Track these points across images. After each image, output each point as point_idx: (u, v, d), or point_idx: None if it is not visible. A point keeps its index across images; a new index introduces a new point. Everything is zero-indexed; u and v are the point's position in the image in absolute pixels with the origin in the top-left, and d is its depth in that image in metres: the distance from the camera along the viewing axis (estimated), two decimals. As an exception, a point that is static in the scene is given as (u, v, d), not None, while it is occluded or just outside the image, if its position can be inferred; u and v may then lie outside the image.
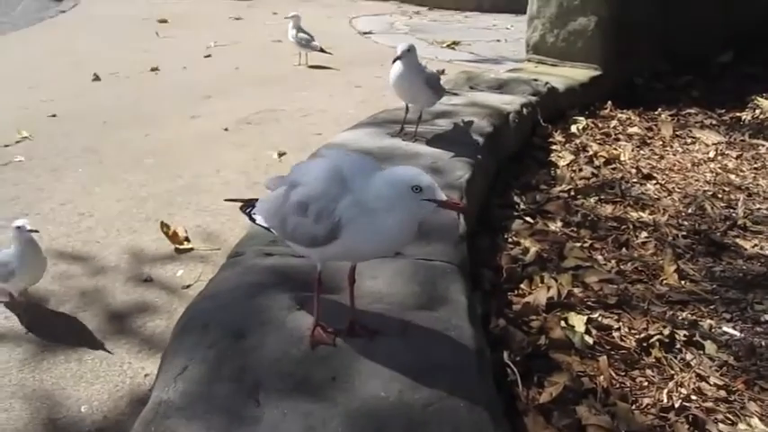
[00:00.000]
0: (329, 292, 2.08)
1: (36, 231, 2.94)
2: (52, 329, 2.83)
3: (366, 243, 1.80)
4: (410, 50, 3.64)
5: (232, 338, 1.87)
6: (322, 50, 7.37)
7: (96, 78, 6.70)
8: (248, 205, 2.11)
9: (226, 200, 2.68)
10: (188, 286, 3.16)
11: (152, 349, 2.72)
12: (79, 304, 3.01)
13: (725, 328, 2.72)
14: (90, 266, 3.33)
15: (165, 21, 9.94)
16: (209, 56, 7.89)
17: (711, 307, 2.86)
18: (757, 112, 5.46)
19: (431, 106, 3.89)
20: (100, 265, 3.35)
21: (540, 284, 2.83)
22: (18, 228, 2.89)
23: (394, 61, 3.65)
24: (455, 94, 4.39)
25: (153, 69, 7.11)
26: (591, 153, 4.42)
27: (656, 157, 4.56)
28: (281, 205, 1.89)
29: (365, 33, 9.21)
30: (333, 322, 1.95)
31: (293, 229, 1.85)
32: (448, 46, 8.25)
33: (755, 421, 2.20)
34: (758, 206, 3.88)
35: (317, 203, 1.78)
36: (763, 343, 2.63)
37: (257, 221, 2.03)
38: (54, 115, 5.55)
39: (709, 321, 2.75)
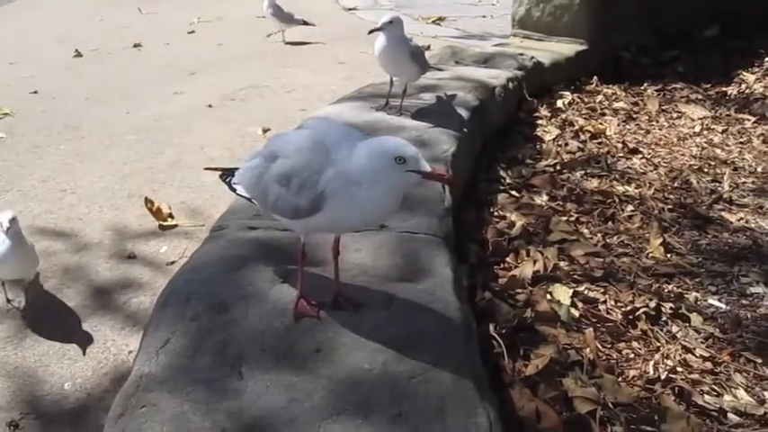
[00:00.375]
0: (313, 264, 2.06)
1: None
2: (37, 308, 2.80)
3: (350, 214, 1.77)
4: (392, 22, 3.59)
5: (214, 311, 1.85)
6: (305, 23, 7.25)
7: (78, 55, 6.63)
8: (228, 174, 2.08)
9: (205, 168, 2.65)
10: (172, 263, 3.13)
11: (136, 326, 2.70)
12: (62, 281, 2.98)
13: (711, 301, 2.72)
14: (73, 243, 3.30)
15: (147, -4, 9.82)
16: (192, 32, 7.81)
17: (697, 280, 2.86)
18: (743, 86, 5.45)
19: (415, 80, 3.84)
20: (83, 241, 3.32)
21: (526, 258, 2.82)
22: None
23: (371, 32, 3.61)
24: (440, 69, 4.35)
25: (135, 45, 7.04)
26: (577, 128, 4.41)
27: (641, 131, 4.55)
28: (261, 176, 1.86)
29: (349, 9, 9.12)
30: (317, 295, 1.93)
31: (275, 200, 1.82)
32: (433, 21, 8.18)
33: (741, 393, 2.21)
34: (743, 180, 3.89)
35: (300, 175, 1.75)
36: (749, 315, 2.64)
37: (238, 191, 1.99)
38: (35, 92, 5.50)
39: (694, 294, 2.76)
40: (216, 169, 2.18)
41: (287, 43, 7.21)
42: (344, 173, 1.72)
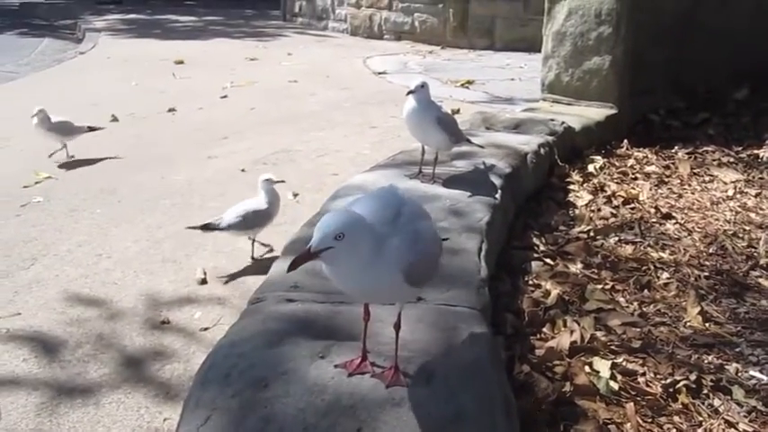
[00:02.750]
0: (351, 338, 2.06)
1: (282, 182, 4.07)
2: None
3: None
4: (423, 86, 3.62)
5: (255, 388, 1.85)
6: (91, 129, 5.86)
7: (114, 119, 6.77)
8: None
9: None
10: (206, 329, 3.15)
11: (170, 393, 2.70)
12: (97, 347, 3.00)
13: (752, 372, 2.67)
14: (107, 309, 3.33)
15: (181, 62, 10.06)
16: (225, 96, 7.95)
17: (737, 350, 2.82)
18: (775, 148, 5.43)
19: (446, 149, 3.84)
20: (117, 307, 3.35)
21: (562, 328, 2.80)
22: (266, 180, 3.91)
23: (408, 94, 3.66)
24: (472, 135, 4.38)
25: (170, 110, 7.18)
26: (609, 193, 4.40)
27: (674, 195, 4.53)
28: None
29: (379, 73, 9.27)
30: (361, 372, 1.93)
31: None
32: (462, 85, 8.28)
33: (786, 468, 2.15)
34: (779, 245, 3.85)
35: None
36: (791, 387, 2.59)
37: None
38: (72, 156, 5.60)
39: (735, 365, 2.70)
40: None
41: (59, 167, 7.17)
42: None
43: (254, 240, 3.92)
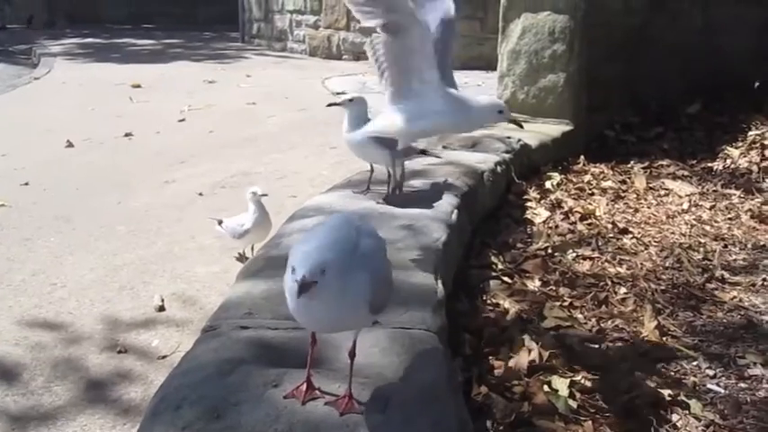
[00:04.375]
0: (305, 365, 2.03)
1: (265, 195, 4.15)
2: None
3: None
4: (353, 101, 3.52)
5: (206, 420, 1.80)
6: None
7: (69, 145, 6.68)
8: None
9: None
10: (164, 356, 3.11)
11: (127, 423, 2.66)
12: (51, 378, 2.94)
13: (709, 385, 2.69)
14: (62, 338, 3.27)
15: (138, 86, 9.98)
16: (183, 120, 7.90)
17: (695, 363, 2.84)
18: (728, 161, 5.52)
19: (392, 165, 3.66)
20: (73, 336, 3.29)
21: (521, 347, 2.79)
22: (253, 193, 4.08)
23: (329, 105, 3.59)
24: (426, 153, 4.34)
25: (127, 135, 7.10)
26: (566, 209, 4.43)
27: (630, 210, 4.58)
28: None
29: (338, 94, 9.25)
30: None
31: None
32: (421, 103, 8.29)
33: (745, 483, 2.16)
34: (734, 257, 3.90)
35: None
36: (749, 399, 2.61)
37: None
38: (26, 183, 5.52)
39: (692, 379, 2.72)
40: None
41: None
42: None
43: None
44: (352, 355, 1.91)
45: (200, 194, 5.18)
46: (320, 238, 1.78)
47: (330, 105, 3.62)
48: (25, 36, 17.93)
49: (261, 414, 1.82)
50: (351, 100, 3.52)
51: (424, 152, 3.96)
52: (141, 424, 1.94)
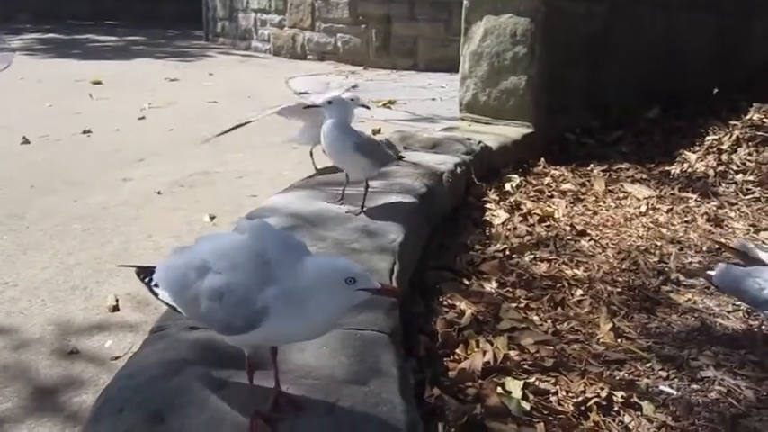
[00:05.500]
0: (261, 367, 2.00)
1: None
2: None
3: (292, 332, 1.76)
4: (332, 103, 3.34)
5: (149, 423, 1.77)
6: None
7: (25, 142, 6.53)
8: (146, 272, 2.01)
9: (120, 265, 2.56)
10: (117, 358, 3.03)
11: (76, 427, 2.58)
12: (0, 380, 2.85)
13: (662, 387, 2.70)
14: (12, 340, 3.17)
15: (99, 82, 9.80)
16: (143, 117, 7.78)
17: (648, 365, 2.85)
18: (685, 165, 5.59)
19: (371, 175, 3.58)
20: (23, 337, 3.19)
21: (475, 348, 2.78)
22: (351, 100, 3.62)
23: (306, 107, 3.50)
24: (402, 159, 4.29)
25: (85, 132, 6.96)
26: (525, 211, 4.44)
27: (589, 212, 4.61)
28: (188, 285, 1.81)
29: (301, 93, 9.22)
30: (260, 401, 1.86)
31: (205, 314, 1.78)
32: (384, 105, 8.28)
33: (694, 485, 2.17)
34: (690, 260, 3.94)
35: (235, 293, 1.72)
36: (701, 401, 2.63)
37: (160, 296, 1.93)
38: (-22, 181, 5.38)
39: (646, 380, 2.74)
40: (131, 266, 2.10)
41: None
42: (288, 292, 1.70)
43: None
44: (251, 371, 1.90)
45: (159, 193, 5.10)
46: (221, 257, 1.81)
47: (307, 108, 3.51)
48: (-16, 30, 17.59)
49: (205, 417, 1.79)
50: (329, 102, 3.35)
51: (401, 158, 3.93)
52: (83, 428, 1.90)
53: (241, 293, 1.72)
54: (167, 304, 1.93)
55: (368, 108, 4.18)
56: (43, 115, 7.91)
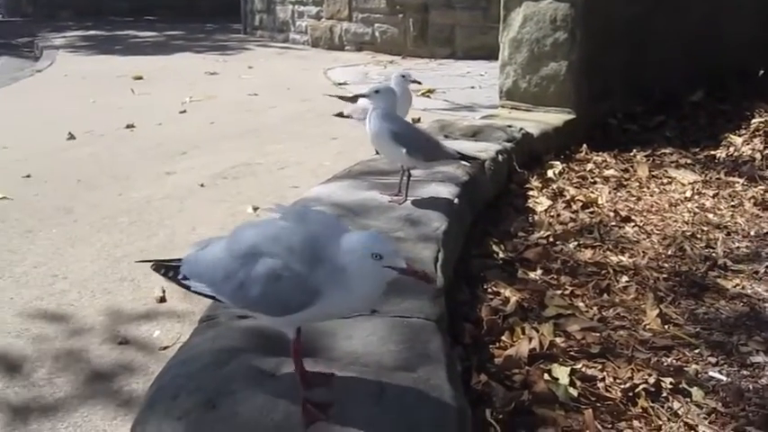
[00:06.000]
0: (312, 353, 2.02)
1: (418, 83, 4.34)
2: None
3: (339, 307, 1.80)
4: (379, 92, 3.35)
5: (203, 409, 1.80)
6: None
7: (71, 137, 6.66)
8: (167, 267, 2.03)
9: (137, 261, 2.58)
10: (165, 347, 3.08)
11: (128, 415, 2.62)
12: (53, 370, 2.91)
13: (711, 373, 2.67)
14: (64, 330, 3.25)
15: (140, 77, 9.95)
16: (184, 111, 7.87)
17: (696, 351, 2.83)
18: (731, 149, 5.49)
19: (410, 166, 3.55)
20: (74, 328, 3.26)
21: (521, 336, 2.77)
22: (403, 76, 4.12)
23: (353, 98, 3.52)
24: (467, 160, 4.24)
25: (128, 126, 7.07)
26: (568, 197, 4.41)
27: (633, 198, 4.55)
28: (235, 272, 1.84)
29: (340, 84, 9.25)
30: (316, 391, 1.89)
31: (257, 298, 1.80)
32: (423, 94, 8.25)
33: (746, 470, 2.14)
34: (737, 245, 3.88)
35: (293, 273, 1.76)
36: (751, 387, 2.60)
37: (193, 288, 1.95)
38: (28, 175, 5.49)
39: (694, 366, 2.71)
40: (148, 261, 2.12)
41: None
42: (333, 269, 1.74)
43: None
44: (299, 355, 1.91)
45: (202, 185, 5.16)
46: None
47: (354, 97, 3.53)
48: (28, 29, 17.90)
49: (258, 403, 1.81)
50: (377, 91, 3.36)
51: (465, 158, 3.74)
52: (138, 414, 1.94)
53: (297, 273, 1.76)
54: (205, 295, 1.95)
55: (420, 83, 4.41)
56: (87, 111, 8.05)
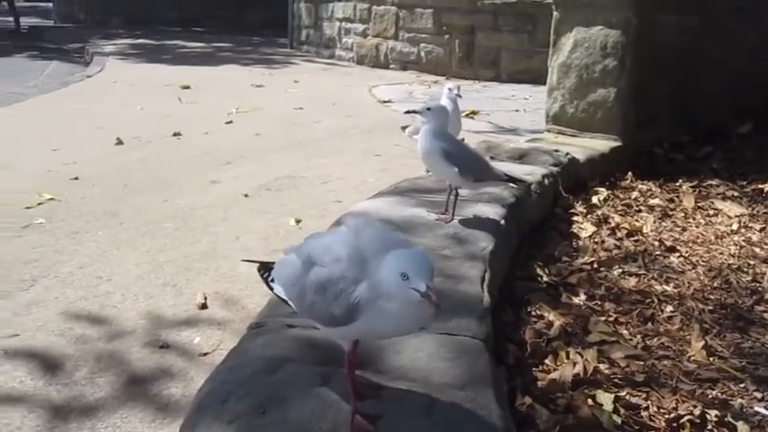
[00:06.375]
0: (360, 366, 2.03)
1: (460, 97, 4.36)
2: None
3: (382, 326, 1.77)
4: (431, 110, 3.36)
5: (253, 414, 1.82)
6: None
7: (119, 142, 6.78)
8: (266, 269, 2.07)
9: (243, 260, 2.64)
10: (205, 354, 3.11)
11: (167, 418, 2.66)
12: (94, 370, 2.96)
13: (756, 408, 2.63)
14: (106, 332, 3.29)
15: (187, 87, 10.11)
16: (230, 122, 7.97)
17: (741, 385, 2.78)
18: (778, 183, 5.42)
19: (460, 185, 3.55)
20: (116, 330, 3.31)
21: (565, 360, 2.76)
22: (449, 89, 4.29)
23: (407, 112, 3.53)
24: (518, 181, 4.20)
25: (175, 134, 7.18)
26: (613, 224, 4.39)
27: (678, 228, 4.51)
28: (298, 278, 1.86)
29: (384, 102, 9.30)
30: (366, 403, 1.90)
31: (310, 306, 1.82)
32: (467, 115, 8.25)
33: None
34: (784, 280, 3.82)
35: (336, 286, 1.76)
36: (796, 424, 2.56)
37: (275, 291, 1.99)
38: (76, 178, 5.60)
39: (740, 400, 2.67)
40: (254, 261, 2.18)
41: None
42: (375, 285, 1.72)
43: None
44: (352, 368, 1.91)
45: (246, 195, 5.21)
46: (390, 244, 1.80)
47: (408, 113, 3.57)
48: (79, 35, 18.28)
49: (307, 411, 1.83)
50: (429, 108, 3.37)
51: (512, 180, 3.73)
52: (187, 416, 1.96)
53: (342, 285, 1.76)
54: (280, 298, 1.99)
55: (460, 97, 4.41)
56: (135, 117, 8.19)
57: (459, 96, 4.36)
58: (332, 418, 1.81)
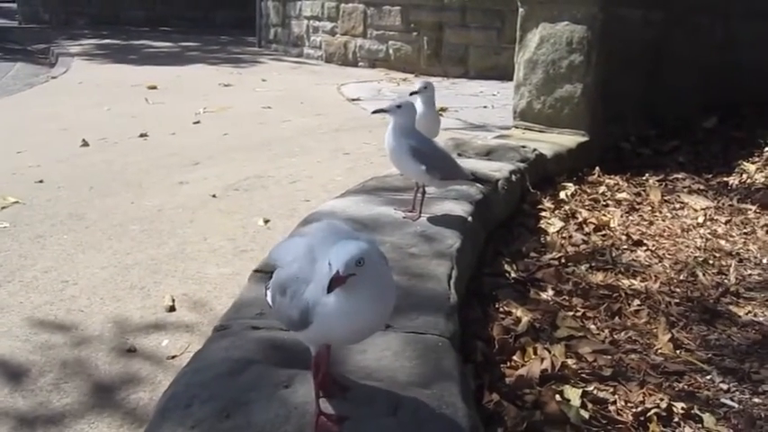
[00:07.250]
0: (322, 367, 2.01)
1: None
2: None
3: (331, 327, 1.71)
4: (401, 107, 3.32)
5: (216, 419, 1.80)
6: None
7: (85, 144, 6.69)
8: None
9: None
10: (173, 357, 3.08)
11: (134, 423, 2.63)
12: (60, 376, 2.91)
13: (723, 400, 2.66)
14: (72, 336, 3.25)
15: (154, 87, 10.01)
16: (198, 122, 7.90)
17: (708, 377, 2.81)
18: (744, 176, 5.48)
19: (426, 184, 3.54)
20: (82, 334, 3.26)
21: (533, 356, 2.77)
22: (424, 88, 4.15)
23: (374, 112, 3.47)
24: (480, 182, 4.18)
25: (142, 135, 7.11)
26: (580, 220, 4.41)
27: (645, 222, 4.55)
28: (270, 284, 1.85)
29: (353, 100, 9.28)
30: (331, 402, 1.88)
31: (277, 309, 1.80)
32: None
33: (759, 499, 2.13)
34: (749, 272, 3.86)
35: (291, 287, 1.73)
36: (763, 414, 2.57)
37: (267, 298, 1.95)
38: (41, 181, 5.51)
39: (706, 392, 2.69)
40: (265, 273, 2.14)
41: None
42: (319, 283, 1.66)
43: None
44: (318, 370, 1.88)
45: (214, 196, 5.17)
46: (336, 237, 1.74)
47: (376, 112, 3.52)
48: (44, 35, 18.03)
49: (271, 414, 1.81)
50: (398, 106, 3.32)
51: (479, 180, 3.81)
52: (150, 422, 1.94)
53: (295, 286, 1.72)
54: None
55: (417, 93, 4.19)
56: (101, 119, 8.10)
57: (426, 89, 4.19)
58: (296, 421, 1.79)
